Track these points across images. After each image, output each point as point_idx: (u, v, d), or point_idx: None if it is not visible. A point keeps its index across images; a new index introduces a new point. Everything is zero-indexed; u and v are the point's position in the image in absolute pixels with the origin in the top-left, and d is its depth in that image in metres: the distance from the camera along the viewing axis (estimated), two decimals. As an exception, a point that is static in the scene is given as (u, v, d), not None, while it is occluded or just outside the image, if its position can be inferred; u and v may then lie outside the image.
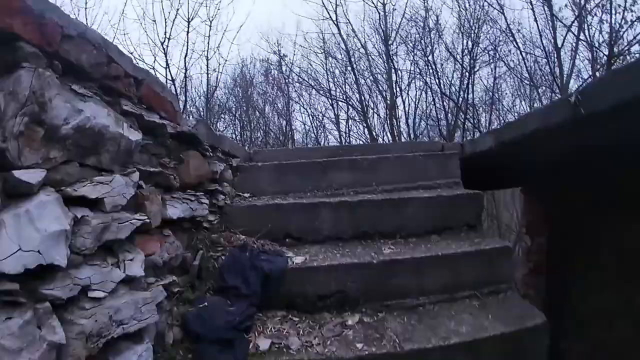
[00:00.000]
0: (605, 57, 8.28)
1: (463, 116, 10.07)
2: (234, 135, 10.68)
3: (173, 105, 1.97)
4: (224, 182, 2.65)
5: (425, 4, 9.92)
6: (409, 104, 10.53)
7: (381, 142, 10.51)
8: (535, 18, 9.13)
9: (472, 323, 2.06)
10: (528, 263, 4.22)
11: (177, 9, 8.16)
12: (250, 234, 2.43)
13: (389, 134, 10.33)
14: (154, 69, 8.23)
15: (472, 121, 10.45)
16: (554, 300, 3.55)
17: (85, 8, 7.64)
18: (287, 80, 10.40)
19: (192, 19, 8.22)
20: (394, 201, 2.60)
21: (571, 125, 2.25)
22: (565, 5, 8.79)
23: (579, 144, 2.54)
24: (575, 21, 8.49)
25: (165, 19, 8.14)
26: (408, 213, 2.59)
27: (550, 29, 9.09)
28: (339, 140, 10.29)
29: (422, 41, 10.04)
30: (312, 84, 10.34)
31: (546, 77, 9.69)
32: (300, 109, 10.86)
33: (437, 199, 2.65)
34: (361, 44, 9.84)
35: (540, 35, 9.23)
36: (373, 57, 9.85)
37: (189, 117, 9.38)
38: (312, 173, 2.96)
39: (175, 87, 8.37)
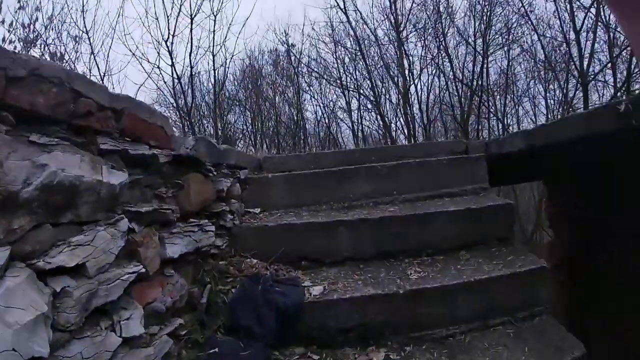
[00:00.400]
0: (623, 39, 7.89)
1: (478, 100, 9.76)
2: (245, 127, 10.46)
3: (165, 130, 1.74)
4: (232, 199, 2.44)
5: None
6: (422, 90, 10.22)
7: (394, 127, 10.25)
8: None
9: (508, 357, 1.85)
10: (552, 259, 3.99)
11: (180, 6, 7.84)
12: (262, 258, 2.24)
13: (402, 119, 10.05)
14: (159, 67, 7.99)
15: (486, 105, 10.14)
16: (576, 301, 3.34)
17: (83, 12, 7.33)
18: (296, 70, 10.08)
19: (195, 15, 7.90)
20: (418, 217, 2.37)
21: (617, 134, 2.00)
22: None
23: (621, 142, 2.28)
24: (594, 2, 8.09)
25: (168, 17, 7.82)
26: (434, 229, 2.36)
27: (568, 10, 8.69)
28: (351, 128, 10.02)
29: (434, 26, 9.69)
30: (322, 74, 10.03)
31: (563, 58, 9.31)
32: (310, 98, 10.56)
33: (466, 212, 2.41)
34: (371, 31, 9.48)
35: (560, 19, 8.84)
36: (383, 43, 9.50)
37: (198, 112, 9.16)
38: (327, 183, 2.74)
39: (181, 85, 8.12)
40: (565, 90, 9.23)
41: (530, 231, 9.28)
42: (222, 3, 8.31)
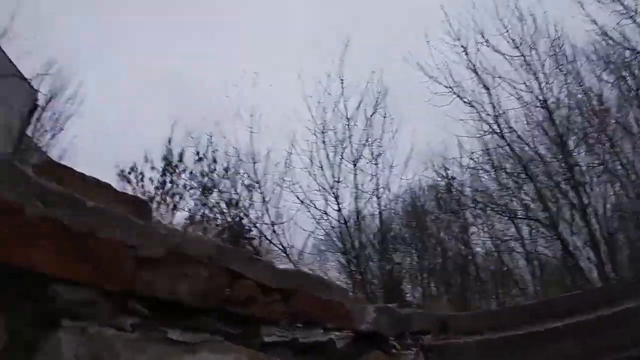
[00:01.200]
0: None
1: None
2: (411, 265, 10.13)
3: (344, 305, 1.45)
4: (414, 375, 1.97)
5: (582, 85, 8.75)
6: (596, 199, 8.89)
7: (571, 247, 8.82)
8: None
9: None
10: None
11: (342, 153, 8.47)
12: None
13: (577, 237, 8.69)
14: (326, 213, 8.37)
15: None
16: None
17: (254, 164, 8.30)
18: (459, 203, 9.71)
19: (357, 161, 8.42)
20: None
21: None
22: None
23: None
24: None
25: (332, 164, 8.43)
26: None
27: None
28: (525, 256, 8.94)
29: (597, 129, 8.69)
30: (486, 204, 9.40)
31: None
32: (477, 230, 9.93)
33: None
34: (530, 148, 8.80)
35: None
36: (548, 160, 8.65)
37: (364, 253, 9.08)
38: (538, 347, 2.10)
39: (348, 229, 8.35)
40: None
41: None
42: (380, 147, 8.68)
